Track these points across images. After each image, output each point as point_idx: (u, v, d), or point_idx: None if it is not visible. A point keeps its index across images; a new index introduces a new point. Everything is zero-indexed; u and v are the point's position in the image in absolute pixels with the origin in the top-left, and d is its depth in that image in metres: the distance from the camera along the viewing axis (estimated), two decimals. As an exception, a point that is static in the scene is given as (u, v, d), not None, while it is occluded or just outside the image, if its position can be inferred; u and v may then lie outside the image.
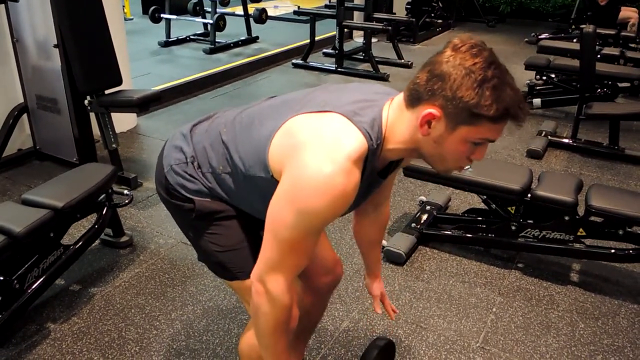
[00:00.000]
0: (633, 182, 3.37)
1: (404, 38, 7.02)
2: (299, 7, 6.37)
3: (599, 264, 2.47)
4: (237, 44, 6.41)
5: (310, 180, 1.00)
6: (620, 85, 4.23)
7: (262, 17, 6.44)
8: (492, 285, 2.36)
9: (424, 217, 2.72)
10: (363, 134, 1.03)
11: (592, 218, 2.30)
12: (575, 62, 4.05)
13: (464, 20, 8.38)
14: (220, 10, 6.45)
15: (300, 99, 1.16)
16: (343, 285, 2.32)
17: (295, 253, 1.08)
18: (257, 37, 6.70)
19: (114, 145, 3.08)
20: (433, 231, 2.64)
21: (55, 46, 3.02)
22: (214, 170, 1.21)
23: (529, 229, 2.40)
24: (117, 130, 3.33)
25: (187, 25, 6.81)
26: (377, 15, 6.32)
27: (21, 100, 3.38)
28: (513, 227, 2.43)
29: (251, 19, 6.54)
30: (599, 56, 4.44)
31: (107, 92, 3.06)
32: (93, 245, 2.46)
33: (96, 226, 2.38)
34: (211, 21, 6.19)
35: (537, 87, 4.53)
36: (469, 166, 2.50)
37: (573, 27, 6.76)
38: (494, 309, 2.21)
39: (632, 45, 5.34)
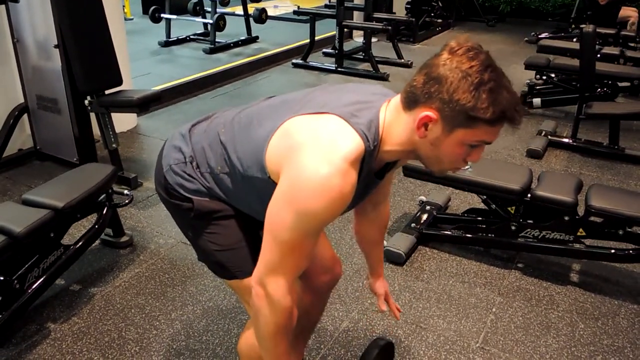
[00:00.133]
0: (633, 181, 3.37)
1: (404, 38, 7.02)
2: (298, 7, 6.37)
3: (599, 264, 2.47)
4: (237, 44, 6.41)
5: (308, 181, 1.00)
6: (620, 84, 4.23)
7: (262, 17, 6.44)
8: (492, 285, 2.36)
9: (424, 217, 2.72)
10: (360, 136, 1.04)
11: (592, 218, 2.30)
12: (575, 62, 4.05)
13: (464, 20, 8.38)
14: (220, 10, 6.45)
15: (298, 99, 1.16)
16: (343, 285, 2.32)
17: (295, 254, 1.09)
18: (257, 37, 6.70)
19: (114, 145, 3.09)
20: (433, 231, 2.64)
21: (55, 46, 3.02)
22: (212, 171, 1.21)
23: (528, 229, 2.40)
24: (117, 130, 3.33)
25: (187, 25, 6.81)
26: (376, 15, 6.32)
27: (22, 100, 3.38)
28: (513, 227, 2.43)
29: (251, 19, 6.54)
30: (598, 55, 4.44)
31: (107, 92, 3.06)
32: (93, 245, 2.46)
33: (96, 226, 2.39)
34: (211, 21, 6.19)
35: (537, 87, 4.53)
36: (468, 166, 2.52)
37: (573, 26, 6.76)
38: (494, 309, 2.21)
39: (632, 44, 5.34)
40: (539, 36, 6.75)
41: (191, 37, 6.62)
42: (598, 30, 4.35)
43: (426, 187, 3.13)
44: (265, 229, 1.09)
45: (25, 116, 3.42)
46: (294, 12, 6.36)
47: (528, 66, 4.49)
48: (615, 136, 3.65)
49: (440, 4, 7.67)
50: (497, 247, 2.57)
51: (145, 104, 3.03)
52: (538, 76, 4.53)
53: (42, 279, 2.09)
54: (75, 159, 3.23)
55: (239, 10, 6.70)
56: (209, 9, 6.44)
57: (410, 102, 1.04)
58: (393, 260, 2.49)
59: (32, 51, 3.21)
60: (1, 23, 3.25)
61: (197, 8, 6.62)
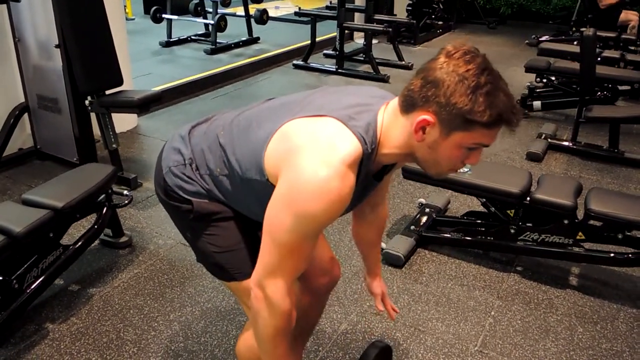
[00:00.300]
0: (633, 185, 3.37)
1: (405, 39, 7.02)
2: (299, 8, 6.37)
3: (598, 268, 2.47)
4: (238, 45, 6.42)
5: (306, 184, 1.00)
6: (620, 88, 4.22)
7: (263, 17, 6.45)
8: (491, 288, 2.36)
9: (423, 219, 2.72)
10: (358, 139, 1.04)
11: (592, 222, 2.30)
12: (576, 65, 4.05)
13: (465, 22, 8.39)
14: (221, 10, 6.46)
15: (297, 102, 1.17)
16: (341, 287, 2.32)
17: (294, 257, 1.09)
18: (258, 38, 6.71)
19: (114, 146, 3.09)
20: (432, 234, 2.64)
21: (56, 46, 3.02)
22: (211, 173, 1.22)
23: (528, 232, 2.40)
24: (118, 130, 3.34)
25: (188, 26, 6.81)
26: (377, 16, 6.32)
27: (22, 99, 3.39)
28: (512, 230, 2.43)
29: (252, 20, 6.54)
30: (599, 59, 4.44)
31: (107, 92, 3.06)
32: (92, 245, 2.46)
33: (96, 226, 2.39)
34: (212, 22, 6.19)
35: (537, 90, 4.53)
36: (467, 169, 2.52)
37: (574, 29, 6.76)
38: (493, 313, 2.21)
39: (633, 48, 5.34)
40: (540, 39, 6.75)
41: (192, 37, 6.63)
42: (598, 33, 4.35)
43: (426, 189, 3.13)
44: (264, 231, 1.09)
45: (25, 116, 3.42)
46: (295, 14, 6.36)
47: (528, 69, 4.49)
48: (615, 140, 3.65)
49: (441, 6, 7.67)
50: (496, 250, 2.57)
51: (146, 105, 3.03)
52: (538, 79, 4.53)
53: (41, 279, 2.09)
54: (75, 159, 3.23)
55: (240, 11, 6.71)
56: (210, 10, 6.45)
57: (408, 105, 1.04)
58: (392, 262, 2.49)
59: (33, 51, 3.21)
60: (2, 22, 3.26)
61: (199, 8, 6.63)
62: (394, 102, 1.10)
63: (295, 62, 5.91)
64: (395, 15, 7.38)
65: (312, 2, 9.58)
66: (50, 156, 3.43)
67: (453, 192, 2.91)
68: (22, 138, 3.51)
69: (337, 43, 5.68)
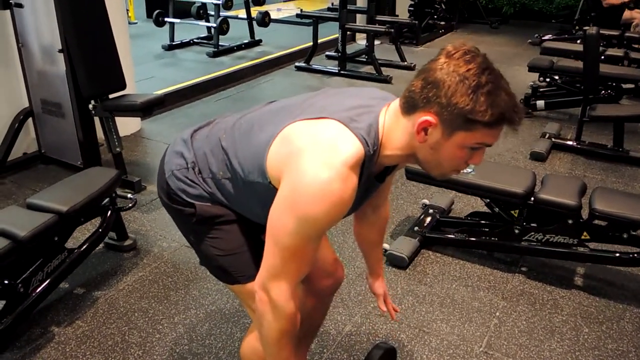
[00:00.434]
0: (638, 184, 3.35)
1: (407, 40, 7.02)
2: (301, 10, 6.38)
3: (603, 268, 2.46)
4: (240, 47, 6.43)
5: (308, 187, 1.00)
6: (624, 86, 4.21)
7: (265, 20, 6.46)
8: (496, 289, 2.35)
9: (427, 220, 2.72)
10: (360, 140, 1.04)
11: (596, 221, 2.29)
12: (579, 64, 4.04)
13: (467, 22, 8.38)
14: (223, 13, 6.47)
15: (298, 104, 1.17)
16: (345, 289, 2.32)
17: (297, 259, 1.09)
18: (261, 40, 6.72)
19: (118, 149, 3.10)
20: (436, 235, 2.63)
21: (60, 51, 3.04)
22: (214, 176, 1.22)
23: (532, 233, 2.40)
24: (121, 133, 3.35)
25: (190, 29, 6.83)
26: (379, 17, 6.33)
27: (26, 104, 3.41)
28: (516, 231, 2.42)
29: (254, 22, 6.56)
30: (602, 57, 4.42)
31: (111, 96, 3.08)
32: (97, 248, 2.47)
33: (100, 230, 2.40)
34: (215, 24, 6.22)
35: (541, 89, 4.52)
36: (471, 169, 2.51)
37: (577, 28, 6.74)
38: (498, 313, 2.20)
39: (636, 46, 5.32)
40: (543, 38, 6.74)
41: (195, 40, 6.64)
42: (602, 32, 4.33)
43: (429, 190, 3.13)
44: (267, 234, 1.09)
45: (30, 120, 3.44)
46: (297, 15, 6.37)
47: (531, 68, 4.48)
48: (619, 138, 3.63)
49: (443, 6, 7.67)
50: (500, 250, 2.56)
51: (149, 108, 3.05)
52: (542, 78, 4.52)
53: (46, 282, 2.10)
54: (79, 163, 3.25)
55: (243, 13, 6.73)
56: (213, 13, 6.47)
57: (409, 107, 1.04)
58: (396, 264, 2.48)
59: (36, 56, 3.23)
60: (6, 28, 3.27)
61: (201, 12, 6.65)
62: (395, 104, 1.09)
63: (297, 64, 5.92)
64: (397, 15, 7.38)
65: (314, 3, 9.60)
66: (55, 160, 3.44)
67: (457, 193, 2.90)
68: (26, 142, 3.52)
69: (339, 44, 5.68)
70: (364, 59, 6.01)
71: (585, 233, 2.32)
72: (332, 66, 5.81)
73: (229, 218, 1.25)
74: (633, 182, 3.38)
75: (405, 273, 2.45)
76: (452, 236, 2.59)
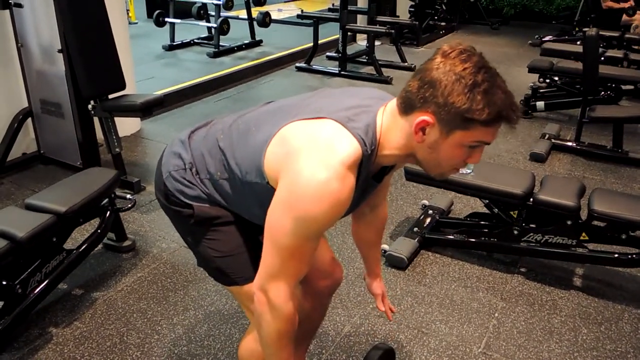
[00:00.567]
0: (637, 185, 3.35)
1: (407, 41, 7.02)
2: (302, 11, 6.38)
3: (602, 269, 2.46)
4: (241, 48, 6.43)
5: (306, 187, 1.00)
6: (624, 87, 4.21)
7: (265, 20, 6.46)
8: (495, 290, 2.35)
9: (427, 221, 2.72)
10: (357, 140, 1.04)
11: (595, 222, 2.28)
12: (579, 65, 4.04)
13: (468, 23, 8.38)
14: (224, 14, 6.47)
15: (295, 105, 1.17)
16: (345, 289, 2.32)
17: (296, 259, 1.09)
18: (261, 41, 6.72)
19: (117, 150, 3.10)
20: (435, 235, 2.63)
21: (59, 51, 3.04)
22: (211, 177, 1.22)
23: (531, 234, 2.39)
24: (121, 134, 3.35)
25: (191, 29, 6.83)
26: (380, 18, 6.33)
27: (26, 104, 3.41)
28: (515, 232, 2.42)
29: (255, 23, 6.56)
30: (602, 58, 4.42)
31: (110, 96, 3.08)
32: (96, 249, 2.47)
33: (99, 230, 2.39)
34: (215, 25, 6.22)
35: (541, 90, 4.52)
36: (470, 170, 2.51)
37: (577, 29, 6.74)
38: (496, 314, 2.20)
39: (636, 47, 5.31)
40: (543, 39, 6.73)
41: (195, 40, 6.65)
42: (602, 33, 4.33)
43: (429, 191, 3.13)
44: (265, 235, 1.09)
45: (29, 120, 3.43)
46: (298, 16, 6.37)
47: (531, 69, 4.49)
48: (618, 139, 3.63)
49: (444, 7, 7.67)
50: (499, 251, 2.56)
51: (148, 109, 3.05)
52: (541, 79, 4.52)
53: (44, 283, 2.10)
54: (78, 163, 3.25)
55: (243, 14, 6.73)
56: (213, 13, 6.47)
57: (407, 107, 1.04)
58: (395, 264, 2.48)
59: (36, 56, 3.23)
60: (6, 28, 3.28)
61: (201, 12, 6.65)
62: (393, 104, 1.09)
63: (298, 64, 5.92)
64: (398, 16, 7.38)
65: (315, 4, 9.61)
66: (54, 161, 3.44)
67: (456, 194, 2.90)
68: (25, 143, 3.52)
69: (339, 45, 5.68)
70: (365, 60, 6.01)
71: (584, 234, 2.32)
72: (333, 67, 5.81)
73: (226, 219, 1.25)
74: (632, 182, 3.38)
75: (405, 274, 2.45)
76: (452, 237, 2.59)
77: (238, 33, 6.68)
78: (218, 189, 1.22)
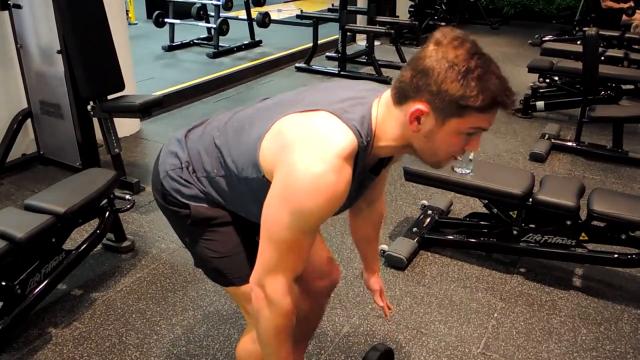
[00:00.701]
0: (637, 185, 3.35)
1: (407, 41, 7.02)
2: (301, 11, 6.38)
3: (601, 269, 2.46)
4: (240, 48, 6.43)
5: (302, 180, 0.99)
6: (624, 87, 4.20)
7: (265, 21, 6.46)
8: (494, 290, 2.35)
9: (426, 221, 2.72)
10: (353, 132, 1.03)
11: (595, 222, 2.28)
12: (579, 64, 4.04)
13: (468, 23, 8.37)
14: (223, 14, 6.47)
15: (291, 99, 1.16)
16: (344, 290, 2.32)
17: (293, 254, 1.08)
18: (261, 41, 6.72)
19: (116, 150, 3.10)
20: (435, 236, 2.63)
21: (58, 52, 3.04)
22: (208, 174, 1.21)
23: (530, 234, 2.39)
24: (121, 134, 3.35)
25: (190, 30, 6.84)
26: (380, 18, 6.32)
27: (25, 105, 3.41)
28: (515, 232, 2.42)
29: (254, 23, 6.56)
30: (602, 58, 4.42)
31: (109, 97, 3.07)
32: (95, 250, 2.47)
33: (98, 231, 2.40)
34: (215, 25, 6.22)
35: (541, 90, 4.51)
36: (469, 170, 2.50)
37: (577, 28, 6.73)
38: (496, 315, 2.20)
39: (636, 47, 5.31)
40: (543, 39, 6.73)
41: (195, 41, 6.65)
42: (602, 32, 4.33)
43: (428, 191, 3.12)
44: (262, 230, 1.08)
45: (28, 121, 3.44)
46: (297, 16, 6.37)
47: (531, 69, 4.48)
48: (618, 139, 3.63)
49: (443, 7, 7.66)
50: (499, 251, 2.56)
51: (147, 109, 3.05)
52: (541, 79, 4.52)
53: (43, 284, 2.10)
54: (78, 164, 3.25)
55: (243, 14, 6.73)
56: (213, 14, 6.47)
57: (400, 97, 1.03)
58: (394, 265, 2.48)
59: (35, 57, 3.23)
60: (5, 29, 3.28)
61: (201, 12, 6.65)
62: (387, 95, 1.08)
63: (297, 64, 5.92)
64: (398, 16, 7.37)
65: (314, 4, 9.60)
66: (54, 161, 3.44)
67: (455, 194, 2.90)
68: (25, 143, 3.53)
69: (339, 45, 5.68)
70: (364, 60, 6.01)
71: (583, 234, 2.32)
72: (332, 67, 5.81)
73: (224, 220, 1.25)
74: (632, 182, 3.38)
75: (404, 274, 2.45)
76: (451, 237, 2.59)
77: (237, 33, 6.68)
78: (215, 187, 1.22)
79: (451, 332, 2.10)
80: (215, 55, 6.09)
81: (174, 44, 6.47)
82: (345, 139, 1.02)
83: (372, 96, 1.11)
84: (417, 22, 6.77)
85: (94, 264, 2.50)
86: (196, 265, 1.36)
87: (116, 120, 3.15)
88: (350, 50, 6.11)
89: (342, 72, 5.65)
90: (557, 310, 2.22)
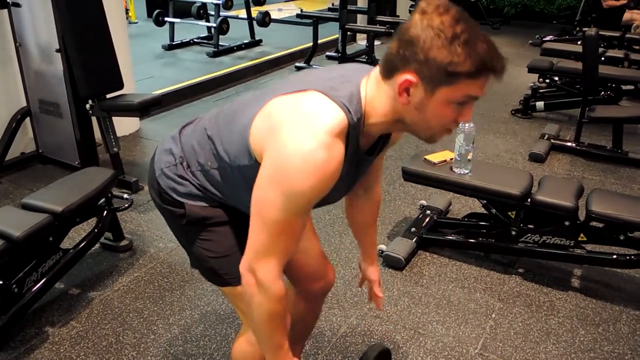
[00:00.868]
0: (636, 185, 3.34)
1: (408, 41, 7.00)
2: (302, 10, 6.38)
3: (600, 270, 2.45)
4: (240, 47, 6.43)
5: (292, 159, 0.97)
6: (624, 87, 4.20)
7: (265, 20, 6.46)
8: (492, 290, 2.35)
9: (424, 221, 2.71)
10: (341, 108, 1.01)
11: (593, 223, 2.27)
12: (579, 65, 4.03)
13: (468, 23, 8.35)
14: (223, 13, 6.47)
15: (281, 84, 1.15)
16: (341, 290, 2.31)
17: (285, 236, 1.05)
18: (261, 40, 6.72)
19: (115, 149, 3.10)
20: (433, 236, 2.63)
21: (57, 51, 3.04)
22: (202, 167, 1.20)
23: (529, 234, 2.38)
24: (120, 133, 3.35)
25: (190, 29, 6.83)
26: (380, 18, 6.32)
27: (24, 104, 3.41)
28: (513, 232, 2.41)
29: (254, 22, 6.55)
30: (603, 58, 4.41)
31: (108, 96, 3.07)
32: (93, 249, 2.47)
33: (96, 230, 2.39)
34: (215, 24, 6.22)
35: (541, 90, 4.51)
36: (468, 170, 2.50)
37: (578, 29, 6.73)
38: (494, 315, 2.19)
39: (637, 47, 5.30)
40: (544, 39, 6.72)
41: (195, 40, 6.65)
42: (602, 33, 4.32)
43: (427, 191, 3.12)
44: (252, 212, 1.05)
45: (27, 120, 3.43)
46: (297, 16, 6.37)
47: (531, 69, 4.47)
48: (618, 140, 3.62)
49: (444, 7, 7.64)
50: (497, 252, 2.55)
51: (146, 108, 3.04)
52: (541, 79, 4.51)
53: (40, 283, 2.10)
54: (76, 163, 3.25)
55: (243, 13, 6.73)
56: (213, 13, 6.47)
57: (388, 70, 1.01)
58: (392, 265, 2.48)
59: (34, 55, 3.23)
60: (4, 28, 3.28)
61: (201, 12, 6.65)
62: (375, 71, 1.07)
63: (297, 64, 5.91)
64: (398, 16, 7.37)
65: (314, 4, 9.60)
66: (52, 160, 3.44)
67: (454, 194, 2.90)
68: (24, 142, 3.52)
69: (339, 45, 5.68)
70: (364, 60, 6.00)
71: (582, 235, 2.31)
72: (332, 66, 5.80)
73: (220, 220, 1.24)
74: (631, 183, 3.37)
75: (402, 274, 2.45)
76: (449, 237, 2.58)
77: (237, 33, 6.68)
78: (210, 180, 1.21)
79: (449, 332, 2.09)
80: (215, 55, 6.09)
81: (174, 43, 6.47)
82: (334, 116, 1.00)
83: (361, 74, 1.09)
84: (417, 22, 6.75)
85: (92, 263, 2.50)
86: (192, 266, 1.36)
87: (116, 119, 3.14)
88: (351, 49, 6.10)
89: (342, 72, 5.63)
90: (555, 311, 2.22)
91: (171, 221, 1.33)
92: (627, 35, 5.30)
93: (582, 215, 2.31)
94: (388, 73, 1.02)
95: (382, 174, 1.60)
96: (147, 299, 2.26)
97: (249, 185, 1.11)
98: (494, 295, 2.31)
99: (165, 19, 6.49)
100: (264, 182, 1.03)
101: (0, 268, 1.95)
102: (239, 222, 1.26)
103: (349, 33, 5.98)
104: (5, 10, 3.18)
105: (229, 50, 6.29)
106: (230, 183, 1.19)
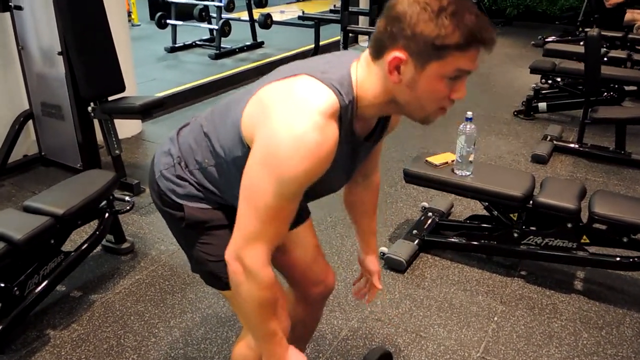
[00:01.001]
0: (640, 187, 3.33)
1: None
2: (303, 12, 6.38)
3: (603, 272, 2.44)
4: (242, 49, 6.44)
5: (283, 142, 0.96)
6: (626, 88, 4.18)
7: (267, 22, 6.46)
8: (494, 293, 2.34)
9: (426, 223, 2.70)
10: (332, 90, 1.00)
11: (596, 225, 2.26)
12: (581, 65, 4.01)
13: (471, 24, 8.35)
14: (225, 15, 6.48)
15: (271, 74, 1.15)
16: (343, 293, 2.31)
17: (276, 221, 1.03)
18: (263, 42, 6.73)
19: (117, 152, 3.10)
20: (435, 238, 2.62)
21: (59, 53, 3.04)
22: (200, 165, 1.20)
23: (531, 236, 2.37)
24: (122, 136, 3.35)
25: (192, 31, 6.84)
26: (382, 19, 6.31)
27: (26, 106, 3.41)
28: (515, 234, 2.40)
29: (256, 24, 6.56)
30: (605, 59, 4.39)
31: (110, 98, 3.08)
32: (94, 251, 2.47)
33: (97, 233, 2.39)
34: (216, 27, 6.22)
35: (543, 91, 4.49)
36: (469, 172, 2.49)
37: (580, 29, 6.71)
38: (496, 318, 2.18)
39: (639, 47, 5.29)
40: (546, 40, 6.70)
41: (197, 42, 6.66)
42: (605, 33, 4.30)
43: (428, 193, 3.11)
44: (241, 198, 1.04)
45: (30, 122, 3.45)
46: (299, 17, 6.37)
47: (533, 70, 4.46)
48: (621, 141, 3.60)
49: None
50: (499, 254, 2.54)
51: (148, 111, 3.05)
52: (544, 80, 4.50)
53: (42, 285, 2.10)
54: (79, 165, 3.25)
55: (245, 15, 6.74)
56: (215, 15, 6.48)
57: (378, 49, 1.00)
58: (394, 267, 2.47)
59: (36, 58, 3.24)
60: (6, 31, 3.29)
61: (203, 14, 6.66)
62: (365, 53, 1.06)
63: (299, 65, 5.90)
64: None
65: (316, 6, 9.60)
66: (55, 162, 3.45)
67: (456, 196, 2.89)
68: (26, 145, 3.53)
69: (341, 46, 5.67)
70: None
71: (584, 237, 2.30)
72: (334, 68, 5.80)
73: (219, 223, 1.24)
74: (635, 184, 3.35)
75: (403, 277, 2.44)
76: (451, 240, 2.57)
77: (239, 35, 6.68)
78: (208, 177, 1.20)
79: (451, 335, 2.08)
80: (217, 57, 6.09)
81: (176, 45, 6.48)
82: (325, 98, 0.99)
83: (352, 58, 1.09)
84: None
85: (93, 265, 2.50)
86: (193, 271, 1.35)
87: (118, 122, 3.15)
88: (352, 51, 6.09)
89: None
90: (558, 314, 2.21)
91: (171, 224, 1.33)
92: (630, 36, 5.29)
93: (584, 217, 2.29)
94: (377, 53, 1.01)
95: (382, 176, 1.59)
96: (149, 301, 2.26)
97: (242, 175, 1.10)
98: (496, 298, 2.30)
99: (168, 21, 6.50)
100: (255, 167, 1.01)
101: (2, 271, 1.96)
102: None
103: (350, 35, 5.98)
104: (8, 14, 3.19)
105: (231, 53, 6.29)
106: (227, 179, 1.18)
